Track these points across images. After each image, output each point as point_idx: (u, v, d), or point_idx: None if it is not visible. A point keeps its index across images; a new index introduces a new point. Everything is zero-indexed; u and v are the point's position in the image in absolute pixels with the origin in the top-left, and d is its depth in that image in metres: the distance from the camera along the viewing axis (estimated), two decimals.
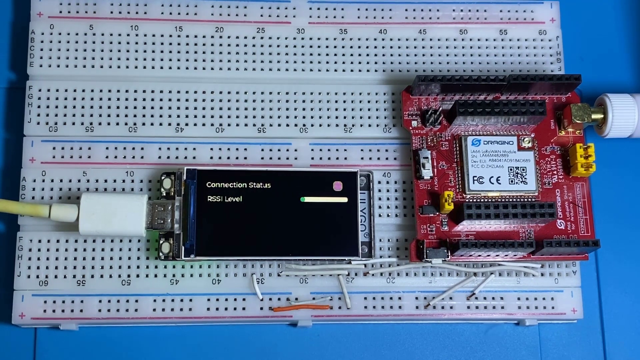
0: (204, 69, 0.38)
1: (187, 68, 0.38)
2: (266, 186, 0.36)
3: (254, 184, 0.36)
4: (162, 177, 0.36)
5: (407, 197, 0.37)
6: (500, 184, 0.36)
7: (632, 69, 0.42)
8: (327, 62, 0.39)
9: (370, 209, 0.36)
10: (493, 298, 0.37)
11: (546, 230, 0.36)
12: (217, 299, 0.36)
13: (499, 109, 0.36)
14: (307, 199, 0.36)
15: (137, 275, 0.36)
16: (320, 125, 0.38)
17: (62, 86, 0.38)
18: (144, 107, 0.38)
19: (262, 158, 0.38)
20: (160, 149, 0.37)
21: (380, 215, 0.37)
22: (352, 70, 0.39)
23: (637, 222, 0.40)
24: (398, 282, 0.37)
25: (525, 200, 0.36)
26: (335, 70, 0.39)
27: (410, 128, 0.37)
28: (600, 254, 0.39)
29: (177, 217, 0.35)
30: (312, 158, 0.38)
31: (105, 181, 0.37)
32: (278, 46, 0.39)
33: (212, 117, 0.38)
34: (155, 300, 0.36)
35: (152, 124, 0.37)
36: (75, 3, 0.39)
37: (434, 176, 0.37)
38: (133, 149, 0.37)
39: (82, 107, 0.37)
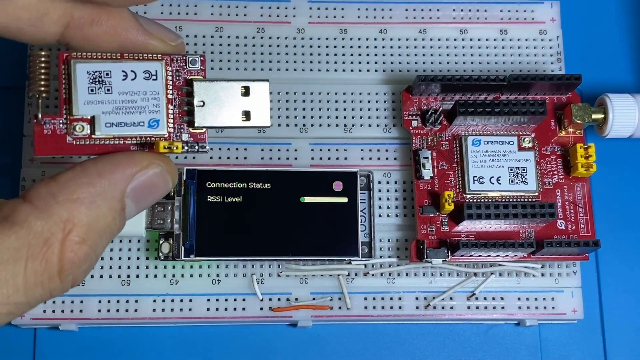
0: None
1: None
2: (266, 186, 0.36)
3: (254, 184, 0.36)
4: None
5: (407, 197, 0.37)
6: (500, 184, 0.36)
7: (633, 69, 0.42)
8: (327, 62, 0.39)
9: (370, 209, 0.36)
10: (493, 298, 0.37)
11: (546, 231, 0.36)
12: (217, 299, 0.36)
13: (499, 109, 0.36)
14: (307, 199, 0.36)
15: (137, 276, 0.36)
16: (320, 125, 0.38)
17: None
18: None
19: (262, 158, 0.38)
20: None
21: (380, 215, 0.37)
22: (352, 70, 0.39)
23: (637, 222, 0.40)
24: (398, 282, 0.37)
25: (526, 200, 0.36)
26: (335, 70, 0.39)
27: (410, 128, 0.37)
28: (600, 254, 0.39)
29: (177, 217, 0.35)
30: (312, 158, 0.38)
31: None
32: (278, 46, 0.39)
33: None
34: (155, 301, 0.36)
35: None
36: None
37: (434, 176, 0.37)
38: None
39: None
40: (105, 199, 0.22)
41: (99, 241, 0.22)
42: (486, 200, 0.36)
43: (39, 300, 0.21)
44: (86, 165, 0.23)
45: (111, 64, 0.23)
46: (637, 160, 0.41)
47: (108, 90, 0.23)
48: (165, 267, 0.36)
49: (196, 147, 0.24)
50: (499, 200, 0.36)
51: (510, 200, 0.36)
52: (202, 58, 0.24)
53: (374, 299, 0.36)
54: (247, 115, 0.24)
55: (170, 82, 0.24)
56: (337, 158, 0.38)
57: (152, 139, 0.24)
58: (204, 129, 0.24)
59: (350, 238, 0.36)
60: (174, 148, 0.24)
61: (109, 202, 0.22)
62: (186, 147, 0.24)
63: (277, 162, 0.37)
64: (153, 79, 0.23)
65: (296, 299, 0.36)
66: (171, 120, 0.24)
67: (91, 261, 0.22)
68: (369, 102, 0.38)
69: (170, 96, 0.24)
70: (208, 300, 0.36)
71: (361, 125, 0.38)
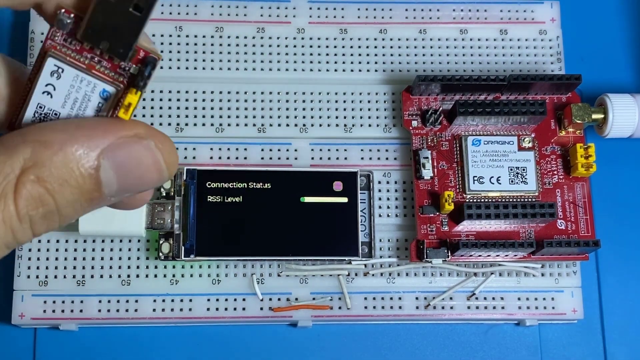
0: (204, 69, 0.38)
1: (187, 68, 0.38)
2: (266, 186, 0.36)
3: (254, 184, 0.36)
4: None
5: (407, 197, 0.37)
6: (500, 184, 0.36)
7: (632, 69, 0.42)
8: (327, 62, 0.39)
9: (370, 209, 0.36)
10: (493, 298, 0.37)
11: (546, 231, 0.36)
12: (217, 299, 0.36)
13: (499, 109, 0.36)
14: (307, 199, 0.36)
15: (137, 276, 0.36)
16: (320, 125, 0.38)
17: None
18: (143, 107, 0.38)
19: (262, 158, 0.38)
20: None
21: (380, 215, 0.37)
22: (352, 70, 0.39)
23: (637, 222, 0.40)
24: (398, 282, 0.37)
25: (526, 200, 0.36)
26: (335, 70, 0.39)
27: (411, 128, 0.37)
28: (600, 254, 0.39)
29: (177, 217, 0.35)
30: (312, 158, 0.38)
31: None
32: (278, 46, 0.39)
33: (212, 117, 0.38)
34: (155, 301, 0.36)
35: (151, 124, 0.37)
36: None
37: (434, 176, 0.37)
38: None
39: None
40: (77, 149, 0.20)
41: (58, 189, 0.20)
42: (486, 200, 0.36)
43: (3, 240, 0.20)
44: (69, 119, 0.22)
45: (29, 105, 0.22)
46: (637, 160, 0.41)
47: (55, 114, 0.23)
48: (165, 267, 0.36)
49: (148, 66, 0.22)
50: (499, 200, 0.36)
51: (510, 200, 0.36)
52: (64, 11, 0.21)
53: (374, 299, 0.36)
54: (136, 7, 0.22)
55: (72, 54, 0.22)
56: (337, 158, 0.38)
57: (119, 100, 0.22)
58: (135, 48, 0.22)
59: (350, 238, 0.36)
60: (131, 106, 0.21)
61: (79, 154, 0.20)
62: (141, 75, 0.22)
63: (277, 162, 0.37)
64: (61, 72, 0.22)
65: (296, 299, 0.36)
66: (111, 73, 0.22)
67: (50, 210, 0.21)
68: (369, 102, 0.38)
69: (86, 63, 0.22)
70: (208, 300, 0.36)
71: (361, 125, 0.38)
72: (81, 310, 0.35)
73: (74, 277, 0.36)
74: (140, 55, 0.22)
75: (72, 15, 0.22)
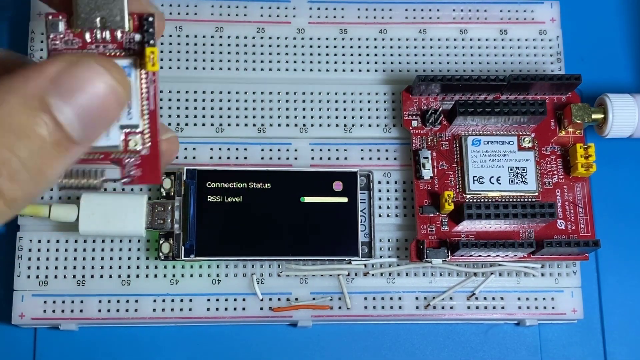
0: (204, 69, 0.38)
1: (187, 68, 0.38)
2: (266, 186, 0.36)
3: (254, 184, 0.36)
4: (162, 177, 0.36)
5: (407, 197, 0.37)
6: (500, 184, 0.36)
7: (632, 69, 0.42)
8: (327, 62, 0.39)
9: (370, 209, 0.36)
10: (493, 298, 0.37)
11: (546, 231, 0.36)
12: (217, 299, 0.36)
13: (499, 109, 0.36)
14: (307, 199, 0.36)
15: (137, 276, 0.36)
16: (320, 125, 0.38)
17: None
18: None
19: (262, 158, 0.38)
20: None
21: (380, 215, 0.37)
22: (352, 70, 0.39)
23: (637, 222, 0.40)
24: (398, 282, 0.37)
25: (526, 200, 0.36)
26: (335, 70, 0.39)
27: (410, 128, 0.37)
28: (600, 254, 0.39)
29: (177, 217, 0.35)
30: (312, 158, 0.38)
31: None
32: (278, 46, 0.39)
33: (212, 117, 0.38)
34: (155, 301, 0.36)
35: None
36: None
37: (434, 176, 0.37)
38: None
39: None
40: (16, 95, 0.20)
41: (15, 142, 0.19)
42: (486, 200, 0.36)
43: None
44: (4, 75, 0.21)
45: None
46: (637, 160, 0.41)
47: None
48: (165, 267, 0.36)
49: (145, 23, 0.22)
50: (499, 200, 0.36)
51: (510, 200, 0.36)
52: (51, 16, 0.22)
53: (374, 299, 0.36)
54: None
55: (78, 52, 0.23)
56: (337, 158, 0.38)
57: (140, 64, 0.23)
58: (129, 14, 0.22)
59: (350, 238, 0.36)
60: (153, 54, 0.22)
61: (20, 98, 0.20)
62: (146, 33, 0.22)
63: (277, 162, 0.38)
64: None
65: (296, 299, 0.36)
66: (119, 51, 0.23)
67: (15, 168, 0.19)
68: (369, 102, 0.38)
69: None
70: (208, 300, 0.36)
71: (361, 125, 0.38)
72: (81, 310, 0.35)
73: (74, 277, 0.36)
74: (137, 21, 0.23)
75: (60, 16, 0.22)
